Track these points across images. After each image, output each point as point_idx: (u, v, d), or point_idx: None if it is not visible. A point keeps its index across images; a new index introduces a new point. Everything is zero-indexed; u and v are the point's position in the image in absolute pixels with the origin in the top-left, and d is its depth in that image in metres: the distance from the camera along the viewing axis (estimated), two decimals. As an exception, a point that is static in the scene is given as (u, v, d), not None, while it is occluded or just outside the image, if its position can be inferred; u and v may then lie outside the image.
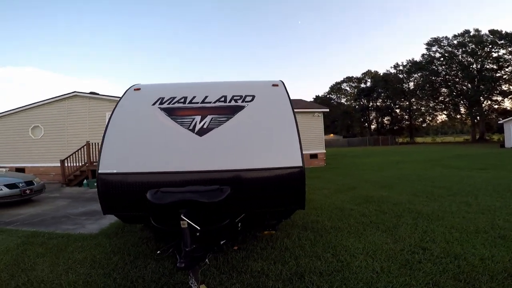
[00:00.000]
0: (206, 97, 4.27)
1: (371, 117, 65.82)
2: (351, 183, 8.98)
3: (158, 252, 2.73)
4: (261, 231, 4.29)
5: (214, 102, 4.17)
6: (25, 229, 5.17)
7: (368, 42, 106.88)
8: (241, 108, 4.04)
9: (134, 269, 3.24)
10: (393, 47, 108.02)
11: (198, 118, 4.01)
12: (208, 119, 3.98)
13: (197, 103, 4.21)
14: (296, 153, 3.55)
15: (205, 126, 3.90)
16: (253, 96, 4.17)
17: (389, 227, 4.18)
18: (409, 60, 52.62)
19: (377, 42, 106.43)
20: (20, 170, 13.01)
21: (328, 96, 71.45)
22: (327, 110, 17.32)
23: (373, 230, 4.06)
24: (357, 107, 64.97)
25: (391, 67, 58.26)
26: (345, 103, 69.24)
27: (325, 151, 16.61)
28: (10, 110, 13.28)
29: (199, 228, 2.46)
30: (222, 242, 2.98)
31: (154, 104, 4.32)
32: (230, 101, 4.14)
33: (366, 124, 66.63)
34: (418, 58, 50.89)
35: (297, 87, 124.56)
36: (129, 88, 4.82)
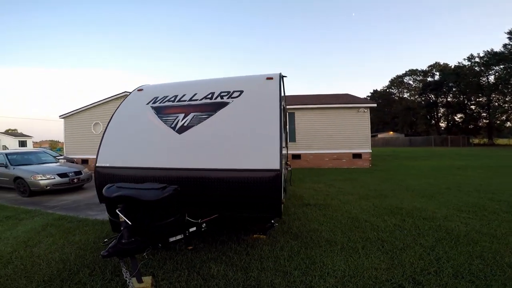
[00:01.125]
0: (195, 94, 4.16)
1: (439, 114, 57.81)
2: (387, 189, 7.90)
3: (105, 240, 2.77)
4: (250, 235, 4.01)
5: (201, 100, 4.04)
6: (58, 213, 5.89)
7: (434, 32, 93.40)
8: (224, 104, 3.82)
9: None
10: (464, 37, 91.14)
11: (181, 116, 3.94)
12: (190, 116, 3.86)
13: (185, 101, 4.14)
14: (273, 154, 3.18)
15: (185, 124, 3.80)
16: (241, 92, 3.90)
17: (396, 247, 3.45)
18: (487, 51, 44.09)
19: (445, 32, 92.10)
20: (85, 161, 15.10)
21: (388, 90, 65.27)
22: (374, 105, 15.63)
23: (373, 250, 3.39)
24: (422, 102, 57.77)
25: (464, 59, 49.84)
26: (408, 98, 62.27)
27: (370, 151, 15.11)
28: (77, 109, 15.44)
29: (130, 223, 2.50)
30: (172, 240, 2.88)
31: (148, 103, 4.40)
32: (216, 98, 3.95)
33: (433, 121, 58.77)
34: (497, 48, 42.36)
35: (352, 81, 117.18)
36: (134, 89, 5.01)
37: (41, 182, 7.63)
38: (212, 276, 2.84)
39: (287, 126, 7.61)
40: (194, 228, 3.16)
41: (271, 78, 4.03)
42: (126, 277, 2.51)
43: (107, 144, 4.33)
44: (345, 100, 15.88)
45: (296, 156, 15.07)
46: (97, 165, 4.19)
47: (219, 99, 3.91)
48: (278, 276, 2.81)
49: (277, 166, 3.11)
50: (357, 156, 14.99)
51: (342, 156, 15.00)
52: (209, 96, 4.02)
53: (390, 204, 5.90)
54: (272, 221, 4.09)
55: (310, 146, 15.05)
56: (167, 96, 4.36)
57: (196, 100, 4.04)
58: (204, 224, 3.26)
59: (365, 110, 14.79)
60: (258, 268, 2.99)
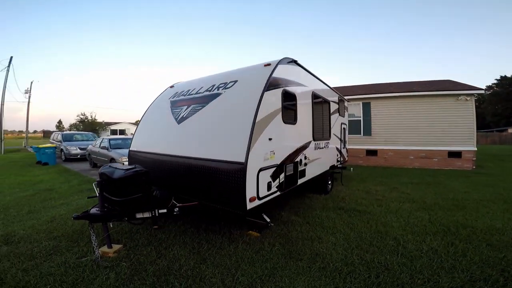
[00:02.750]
0: (201, 88, 4.28)
1: None
2: (473, 199, 6.03)
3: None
4: (246, 230, 3.86)
5: (203, 92, 4.13)
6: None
7: None
8: (217, 95, 3.79)
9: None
10: None
11: (184, 108, 4.14)
12: (190, 108, 4.02)
13: (192, 94, 4.31)
14: (239, 146, 3.00)
15: (184, 115, 3.99)
16: (235, 82, 3.79)
17: (391, 283, 2.51)
18: None
19: None
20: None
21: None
22: (482, 91, 11.96)
23: (357, 280, 2.58)
24: None
25: None
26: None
27: (475, 149, 11.80)
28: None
29: (97, 194, 3.08)
30: (139, 216, 3.17)
31: (169, 98, 4.79)
32: (213, 90, 3.97)
33: None
34: None
35: (462, 67, 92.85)
36: (168, 86, 5.51)
37: (125, 162, 9.41)
38: (165, 256, 3.03)
39: (331, 117, 6.77)
40: (165, 210, 3.32)
41: (269, 65, 3.67)
42: (92, 239, 2.97)
43: (138, 132, 4.99)
44: (441, 86, 12.83)
45: (371, 152, 13.33)
46: (129, 149, 4.93)
47: (215, 91, 3.87)
48: (221, 275, 2.66)
49: (242, 159, 2.87)
50: (455, 155, 12.00)
51: (433, 154, 12.33)
52: (210, 88, 4.03)
53: (456, 220, 4.50)
54: (268, 220, 3.82)
55: (390, 141, 13.00)
56: (182, 91, 4.62)
57: (200, 93, 4.13)
58: (177, 209, 3.37)
59: (467, 98, 11.57)
60: (213, 263, 2.91)
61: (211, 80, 4.27)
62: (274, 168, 3.47)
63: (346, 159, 9.48)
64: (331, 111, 6.70)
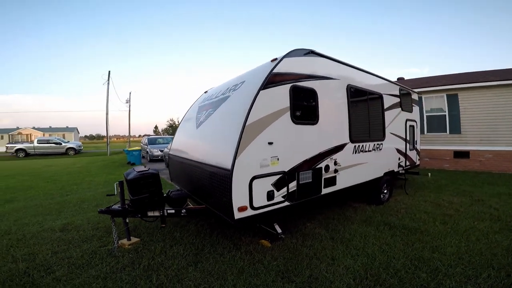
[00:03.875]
0: (220, 91, 4.32)
1: None
2: None
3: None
4: (259, 238, 3.69)
5: (219, 96, 4.19)
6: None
7: None
8: (225, 99, 3.80)
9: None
10: None
11: (204, 112, 4.31)
12: (207, 113, 4.16)
13: (212, 99, 4.40)
14: (227, 152, 2.89)
15: (202, 120, 4.16)
16: (242, 83, 3.71)
17: None
18: None
19: None
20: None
21: None
22: None
23: None
24: None
25: None
26: None
27: None
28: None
29: (115, 193, 3.52)
30: (150, 214, 3.45)
31: (199, 104, 5.07)
32: (226, 93, 3.97)
33: None
34: None
35: None
36: (203, 92, 5.78)
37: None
38: (165, 254, 3.21)
39: (386, 113, 5.76)
40: (173, 211, 3.50)
41: (275, 59, 3.35)
42: (113, 232, 3.38)
43: (176, 136, 5.46)
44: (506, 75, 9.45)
45: (461, 154, 10.92)
46: (168, 152, 5.42)
47: (227, 94, 3.82)
48: (201, 280, 2.60)
49: (228, 166, 2.70)
50: None
51: (557, 158, 9.24)
52: (224, 91, 4.01)
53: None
54: (279, 231, 3.51)
55: (488, 140, 10.40)
56: (208, 96, 4.76)
57: (217, 97, 4.16)
58: (184, 210, 3.51)
59: None
60: (202, 267, 2.87)
61: (230, 82, 4.24)
62: (279, 176, 3.13)
63: (417, 162, 7.97)
64: (385, 107, 5.73)
